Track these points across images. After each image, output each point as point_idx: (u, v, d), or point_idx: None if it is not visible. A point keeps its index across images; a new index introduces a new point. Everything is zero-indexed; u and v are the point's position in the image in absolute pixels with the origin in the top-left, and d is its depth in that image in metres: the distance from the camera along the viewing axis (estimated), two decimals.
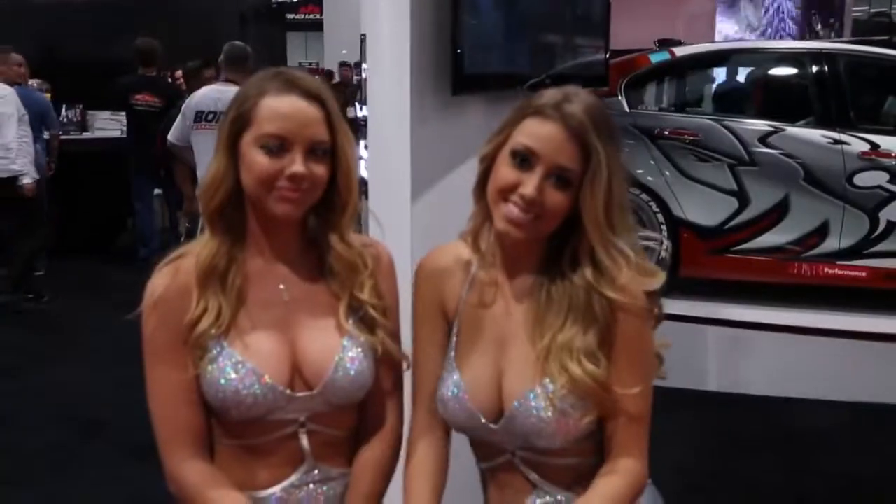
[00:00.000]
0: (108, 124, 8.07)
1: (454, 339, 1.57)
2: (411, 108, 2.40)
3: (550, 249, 1.52)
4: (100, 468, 3.86)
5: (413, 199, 2.46)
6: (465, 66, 2.44)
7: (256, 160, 1.44)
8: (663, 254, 1.68)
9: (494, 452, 1.56)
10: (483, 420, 1.51)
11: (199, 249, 1.50)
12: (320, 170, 1.47)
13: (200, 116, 5.38)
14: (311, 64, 17.25)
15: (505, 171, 1.46)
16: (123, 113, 7.35)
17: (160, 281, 1.50)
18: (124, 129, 7.49)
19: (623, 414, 1.48)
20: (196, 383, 1.48)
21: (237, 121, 1.47)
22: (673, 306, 5.41)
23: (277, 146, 1.44)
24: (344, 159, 1.50)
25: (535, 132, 1.44)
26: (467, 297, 1.58)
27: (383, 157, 2.52)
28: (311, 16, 18.29)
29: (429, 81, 2.47)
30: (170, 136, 5.60)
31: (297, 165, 1.44)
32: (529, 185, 1.43)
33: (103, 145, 7.86)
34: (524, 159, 1.44)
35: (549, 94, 1.47)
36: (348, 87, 10.64)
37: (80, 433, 4.24)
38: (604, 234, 1.45)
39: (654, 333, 1.53)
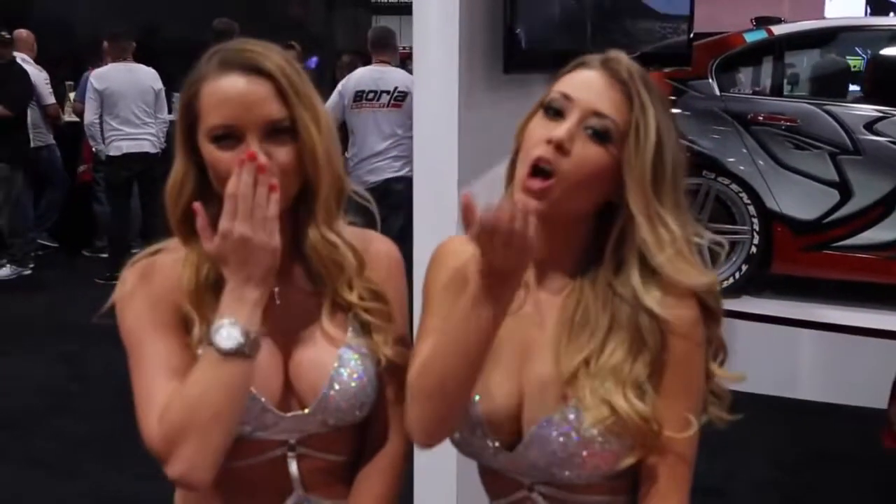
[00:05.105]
0: None
1: None
2: (459, 86, 2.21)
3: (590, 247, 1.28)
4: (149, 462, 3.74)
5: (461, 187, 2.27)
6: (520, 40, 2.22)
7: (212, 157, 1.24)
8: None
9: (509, 487, 1.32)
10: (496, 444, 1.28)
11: (182, 264, 1.29)
12: (284, 154, 1.24)
13: (360, 96, 5.26)
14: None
15: (535, 130, 1.24)
16: None
17: (134, 273, 1.31)
18: None
19: (669, 454, 1.23)
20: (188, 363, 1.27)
21: (186, 113, 1.27)
22: (763, 306, 5.05)
23: (228, 136, 1.23)
24: (307, 135, 1.25)
25: (573, 80, 1.25)
26: None
27: (429, 140, 2.35)
28: None
29: (479, 57, 2.27)
30: None
31: None
32: (561, 128, 1.21)
33: None
34: (558, 111, 1.23)
35: (594, 54, 1.28)
36: None
37: (134, 424, 4.12)
38: (648, 200, 1.21)
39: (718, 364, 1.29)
